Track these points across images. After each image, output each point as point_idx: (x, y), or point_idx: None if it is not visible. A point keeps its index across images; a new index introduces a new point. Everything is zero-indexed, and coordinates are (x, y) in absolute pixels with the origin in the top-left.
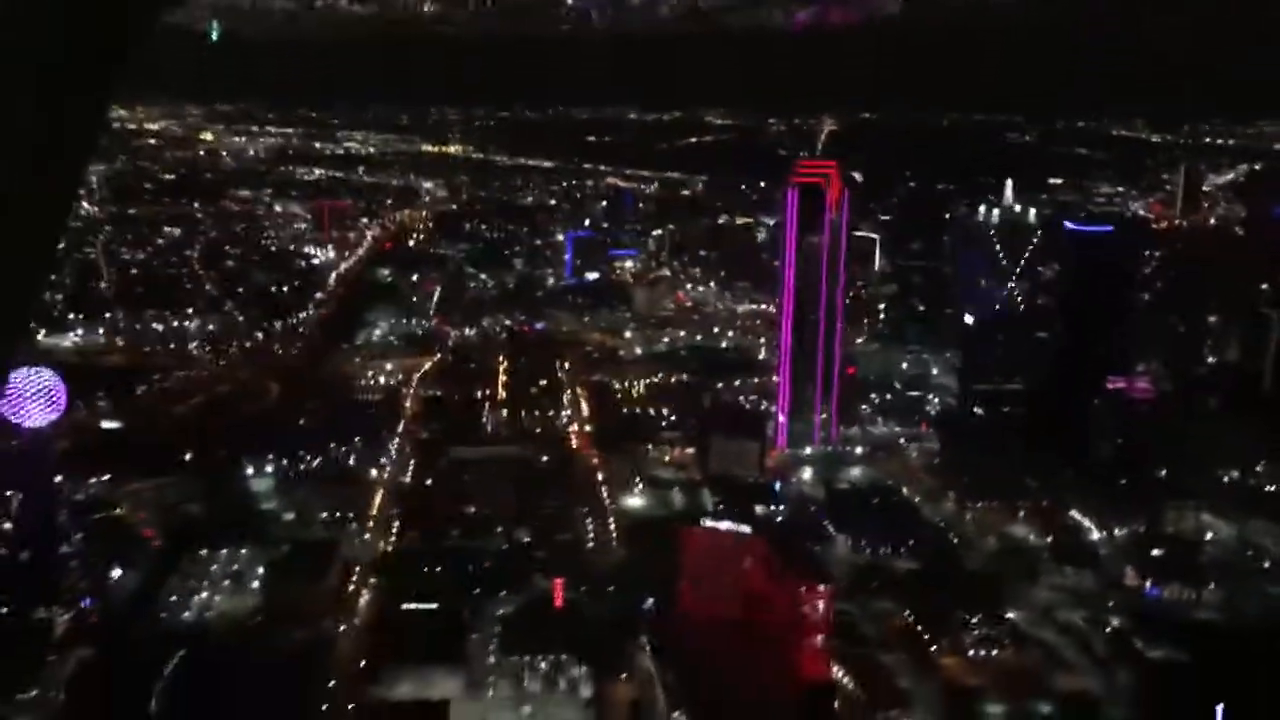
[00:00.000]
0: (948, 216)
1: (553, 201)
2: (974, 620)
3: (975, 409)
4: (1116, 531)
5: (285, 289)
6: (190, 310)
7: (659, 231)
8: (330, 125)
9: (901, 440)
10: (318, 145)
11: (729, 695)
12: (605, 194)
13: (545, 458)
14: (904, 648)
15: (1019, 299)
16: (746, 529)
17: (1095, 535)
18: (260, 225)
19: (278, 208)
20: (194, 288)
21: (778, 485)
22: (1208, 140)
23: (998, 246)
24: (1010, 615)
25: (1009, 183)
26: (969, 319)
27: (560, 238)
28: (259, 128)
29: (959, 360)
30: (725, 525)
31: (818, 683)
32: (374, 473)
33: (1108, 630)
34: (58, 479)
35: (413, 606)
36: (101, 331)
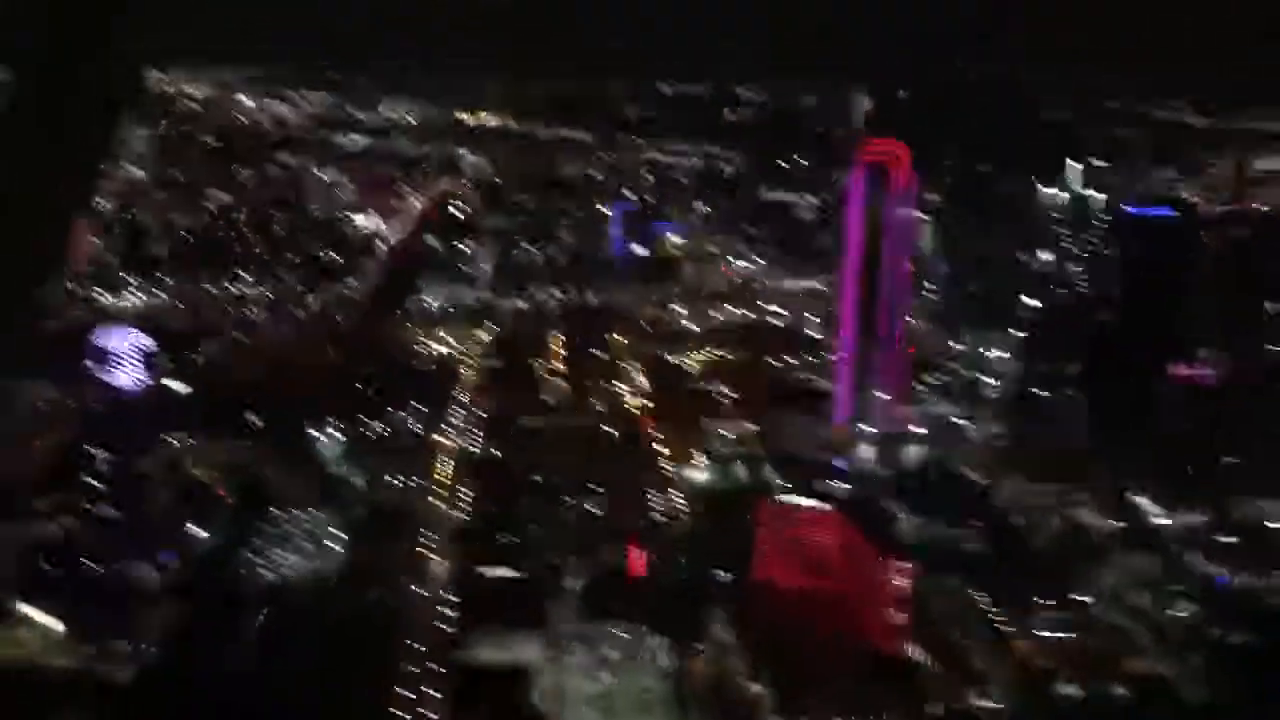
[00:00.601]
0: (999, 196)
1: (597, 175)
2: (1045, 602)
3: (1040, 391)
4: (1183, 517)
5: (335, 256)
6: (245, 275)
7: (705, 207)
8: (367, 91)
9: (960, 421)
10: (356, 113)
11: (806, 667)
12: (650, 168)
13: (613, 430)
14: (974, 629)
15: (1082, 282)
16: (825, 505)
17: (1162, 520)
18: (305, 192)
19: (321, 174)
20: (244, 252)
21: (842, 463)
22: (1250, 125)
23: (1063, 229)
24: (1080, 598)
25: (1074, 165)
26: (1032, 301)
27: (606, 211)
28: (298, 93)
29: (1018, 342)
30: (803, 500)
31: (895, 657)
32: (440, 440)
33: (1179, 615)
34: (145, 437)
35: (492, 572)
36: (159, 292)
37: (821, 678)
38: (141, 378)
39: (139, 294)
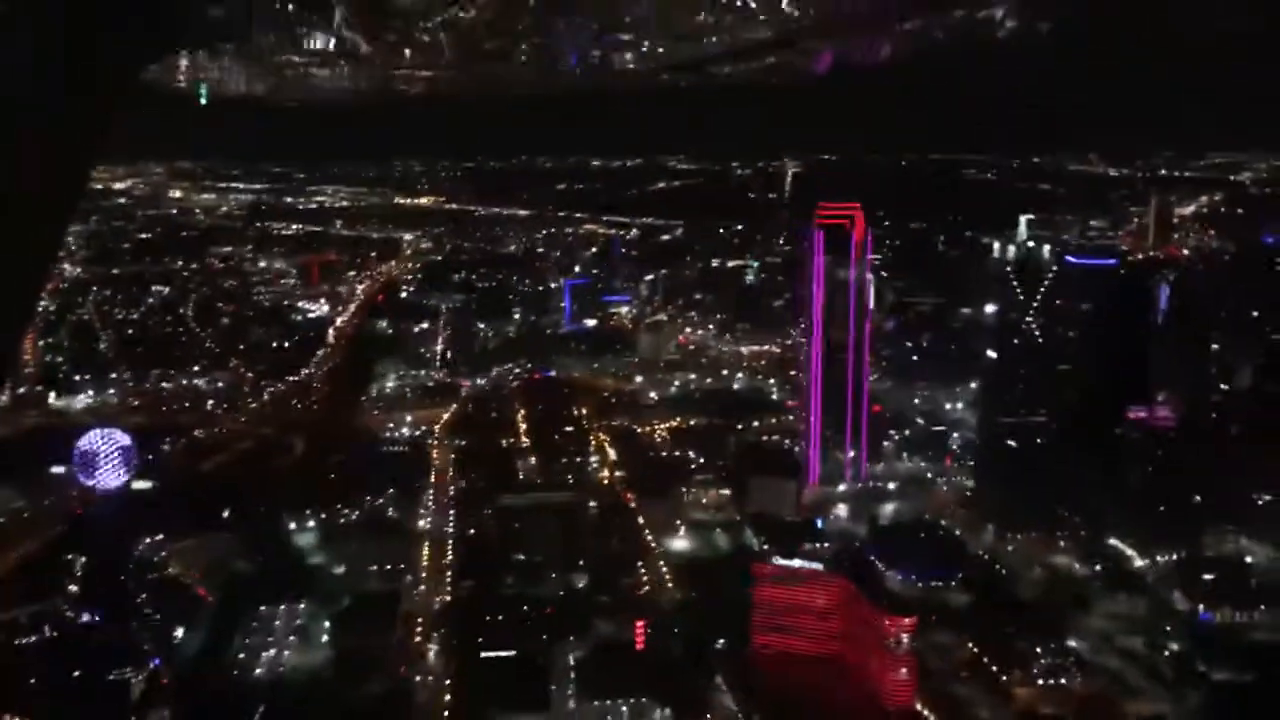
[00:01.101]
0: (942, 252)
1: (539, 249)
2: (1038, 650)
3: (1006, 441)
4: (1159, 558)
5: (286, 344)
6: (196, 368)
7: (650, 276)
8: (297, 180)
9: (928, 475)
10: (289, 200)
11: None
12: (590, 241)
13: (592, 503)
14: (973, 679)
15: (1035, 332)
16: (818, 565)
17: (1139, 562)
18: (248, 281)
19: (262, 263)
20: (193, 345)
21: (819, 522)
22: (1163, 173)
23: (1013, 281)
24: (1071, 643)
25: (1023, 219)
26: (991, 353)
27: (553, 285)
28: (226, 184)
29: (977, 394)
30: (797, 562)
31: (906, 713)
32: (418, 523)
33: (1169, 654)
34: (128, 538)
35: (491, 654)
36: (111, 391)
37: None
38: (123, 478)
39: (90, 392)
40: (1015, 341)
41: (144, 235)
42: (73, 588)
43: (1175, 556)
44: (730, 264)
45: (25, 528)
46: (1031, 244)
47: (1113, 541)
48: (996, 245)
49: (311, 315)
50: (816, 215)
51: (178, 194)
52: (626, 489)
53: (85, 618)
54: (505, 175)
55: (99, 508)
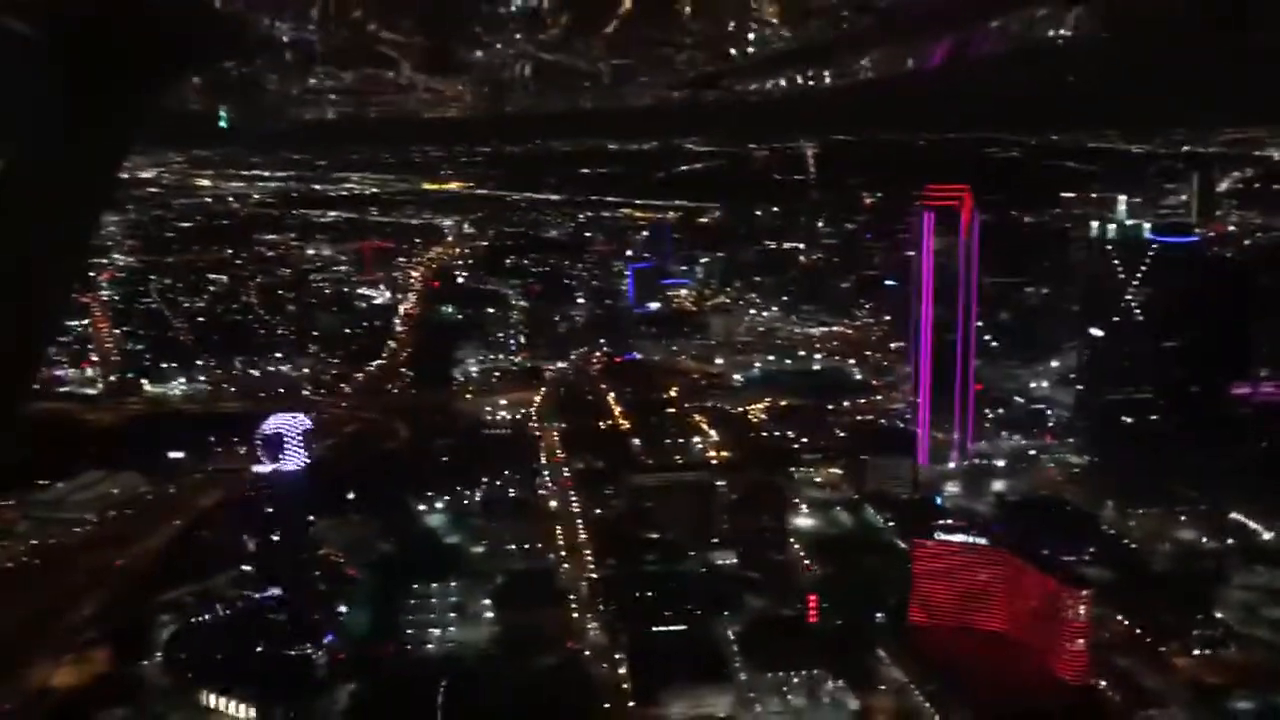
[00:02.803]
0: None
1: (587, 234)
2: (1188, 622)
3: (1117, 418)
4: None
5: (358, 330)
6: (278, 354)
7: (706, 259)
8: (320, 167)
9: (1031, 452)
10: (317, 187)
11: (999, 703)
12: (633, 225)
13: (721, 482)
14: (1132, 651)
15: (1136, 310)
16: (983, 540)
17: (1266, 535)
18: (301, 268)
19: (310, 250)
20: (267, 332)
21: (938, 499)
22: (1186, 149)
23: (1115, 260)
24: (1218, 615)
25: (1122, 198)
26: (1095, 331)
27: (612, 269)
28: (251, 172)
29: (1079, 371)
30: (959, 537)
31: (1081, 686)
32: (546, 503)
33: None
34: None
35: (662, 629)
36: (202, 378)
37: (1016, 712)
38: (305, 459)
39: (182, 380)
40: (1116, 319)
41: (185, 224)
42: (246, 567)
43: None
44: (786, 245)
45: (160, 511)
46: (1129, 223)
47: (1234, 516)
48: (1094, 225)
49: (376, 302)
50: (925, 196)
51: (205, 182)
52: (738, 468)
53: (258, 596)
54: (523, 160)
55: (272, 489)
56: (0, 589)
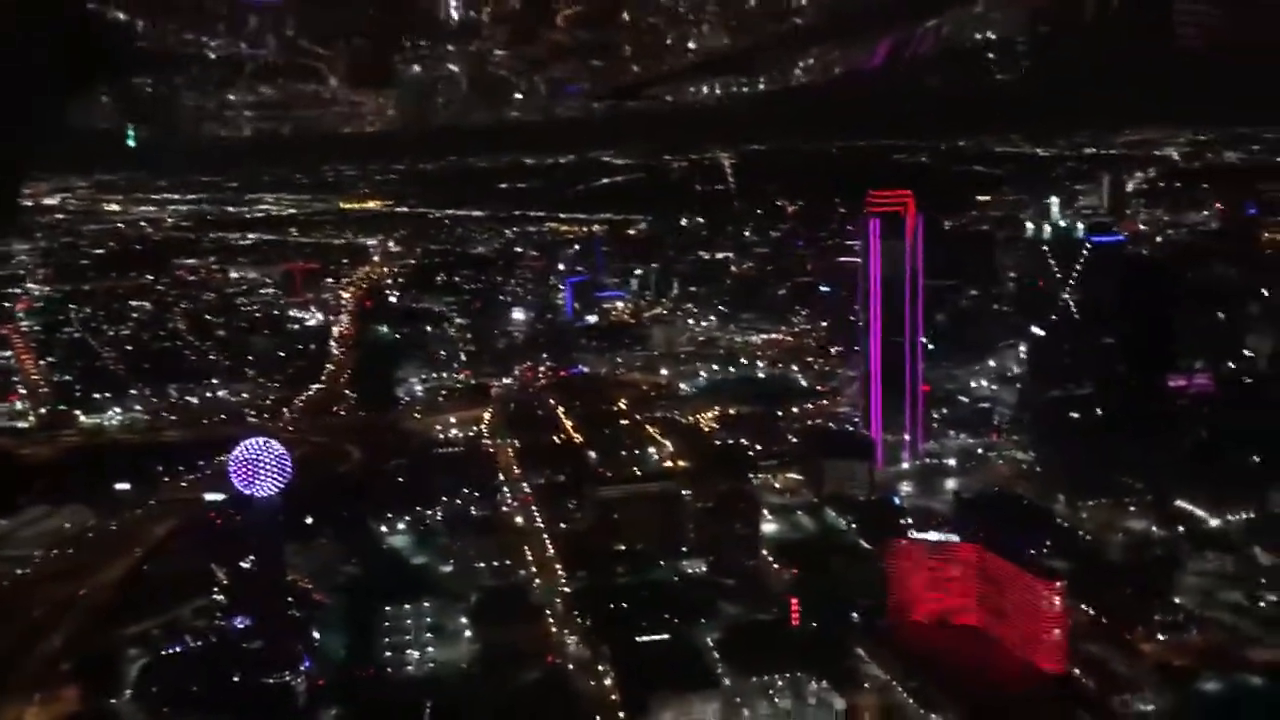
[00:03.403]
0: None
1: (517, 249)
2: (1149, 608)
3: (1061, 414)
4: (1230, 517)
5: (293, 354)
6: (214, 380)
7: (640, 271)
8: (230, 189)
9: (979, 450)
10: (230, 209)
11: (975, 697)
12: (560, 239)
13: (686, 491)
14: (1099, 639)
15: (1073, 309)
16: (954, 537)
17: (1213, 523)
18: (228, 292)
19: (234, 274)
20: (199, 359)
21: (896, 499)
22: (1090, 151)
23: (1050, 260)
24: (1177, 600)
25: (1054, 200)
26: (1036, 330)
27: (546, 284)
28: (159, 195)
29: (1019, 370)
30: (933, 536)
31: (1057, 675)
32: (511, 520)
33: (1270, 604)
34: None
35: (645, 639)
36: (138, 408)
37: (999, 703)
38: (280, 485)
39: (117, 410)
40: (1054, 318)
41: (99, 250)
42: (217, 595)
43: (1245, 516)
44: (718, 255)
45: (112, 543)
46: (1063, 223)
47: (1179, 504)
48: (1030, 226)
49: (309, 324)
50: (869, 203)
51: (114, 207)
52: (698, 478)
53: (229, 625)
54: (439, 176)
55: (240, 515)
56: None
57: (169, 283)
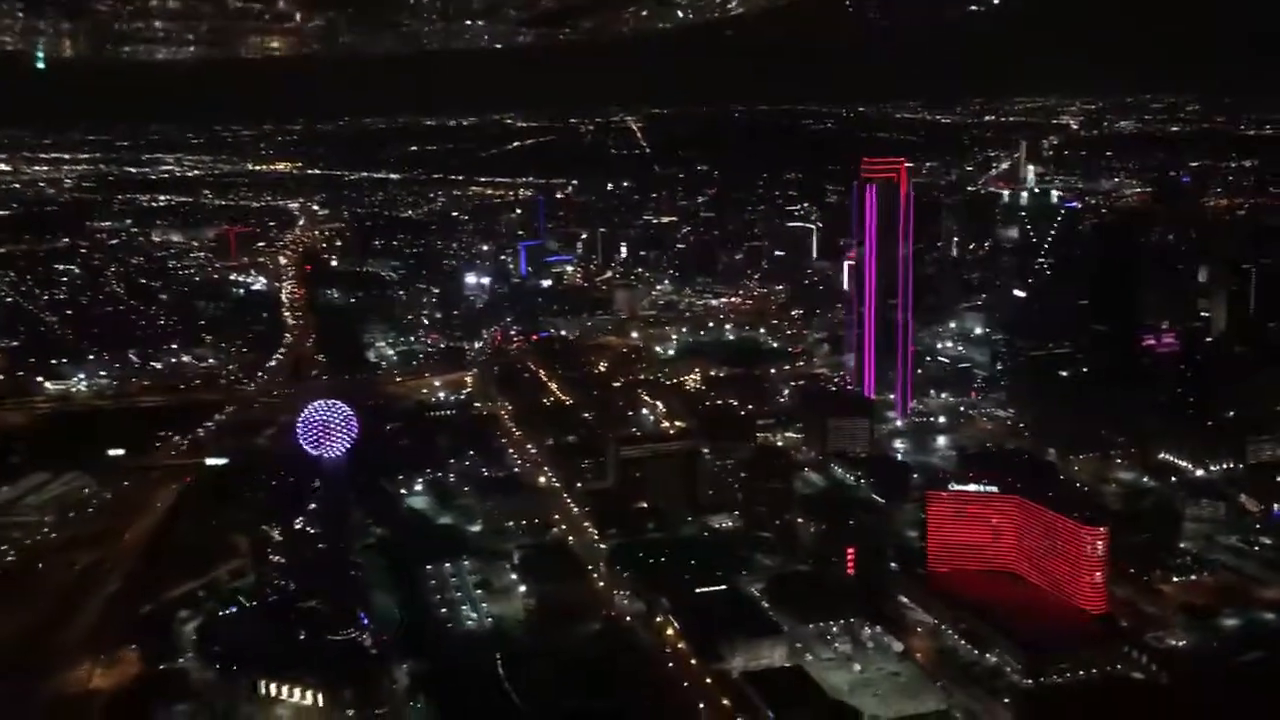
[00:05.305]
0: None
1: (453, 213)
2: (1160, 553)
3: (1046, 372)
4: (1213, 467)
5: (247, 317)
6: (174, 345)
7: (585, 235)
8: (122, 148)
9: (960, 408)
10: (131, 170)
11: (1023, 637)
12: (507, 203)
13: (705, 449)
14: (1123, 582)
15: (1048, 271)
16: (994, 487)
17: (1199, 472)
18: (158, 255)
19: (156, 237)
20: (147, 323)
21: (898, 456)
22: (990, 118)
23: (1027, 225)
24: (1182, 545)
25: (1031, 169)
26: (1017, 292)
27: (489, 248)
28: (50, 155)
29: (997, 330)
30: (971, 486)
31: (1097, 616)
32: (535, 480)
33: (1266, 547)
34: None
35: (703, 590)
36: (103, 373)
37: (1034, 643)
38: (348, 446)
39: (81, 376)
40: (1028, 280)
41: (3, 212)
42: (276, 557)
43: (1226, 466)
44: (665, 220)
45: (122, 508)
46: (1038, 190)
47: (1163, 456)
48: (1006, 193)
49: (254, 288)
50: (863, 169)
51: (5, 167)
52: (700, 436)
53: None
54: (337, 137)
55: (326, 479)
56: None
57: (88, 246)
